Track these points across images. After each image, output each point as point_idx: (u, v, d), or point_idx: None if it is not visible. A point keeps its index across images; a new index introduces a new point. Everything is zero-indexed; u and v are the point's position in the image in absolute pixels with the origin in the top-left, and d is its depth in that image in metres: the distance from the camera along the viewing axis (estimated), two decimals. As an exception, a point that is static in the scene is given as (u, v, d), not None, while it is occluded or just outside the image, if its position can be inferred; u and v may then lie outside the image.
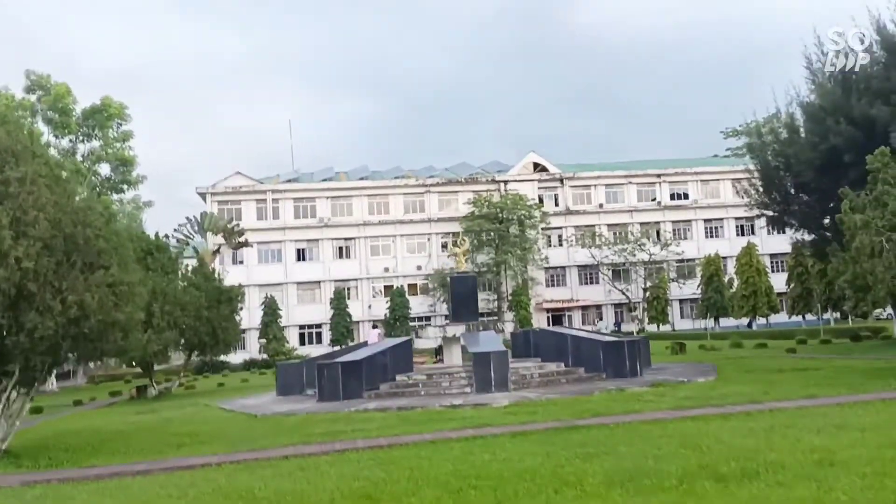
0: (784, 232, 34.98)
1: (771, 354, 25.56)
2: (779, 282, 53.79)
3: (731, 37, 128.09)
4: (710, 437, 9.59)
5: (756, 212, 31.26)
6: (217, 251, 51.57)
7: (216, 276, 28.16)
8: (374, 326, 44.06)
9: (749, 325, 50.26)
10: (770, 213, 29.20)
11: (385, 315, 57.90)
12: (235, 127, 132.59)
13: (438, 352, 26.46)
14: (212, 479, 9.34)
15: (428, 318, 61.93)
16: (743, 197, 60.19)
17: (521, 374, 17.86)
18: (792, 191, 27.48)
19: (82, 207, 13.31)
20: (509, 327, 21.09)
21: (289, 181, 65.35)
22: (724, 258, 59.99)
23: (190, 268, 28.12)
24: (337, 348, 55.23)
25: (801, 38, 27.12)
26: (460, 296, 21.06)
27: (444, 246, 64.26)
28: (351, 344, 38.31)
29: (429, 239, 64.41)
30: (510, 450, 9.72)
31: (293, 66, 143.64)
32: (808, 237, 29.49)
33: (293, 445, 11.69)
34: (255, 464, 10.28)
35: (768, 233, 63.51)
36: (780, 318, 54.30)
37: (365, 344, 24.58)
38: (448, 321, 21.39)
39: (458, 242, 22.76)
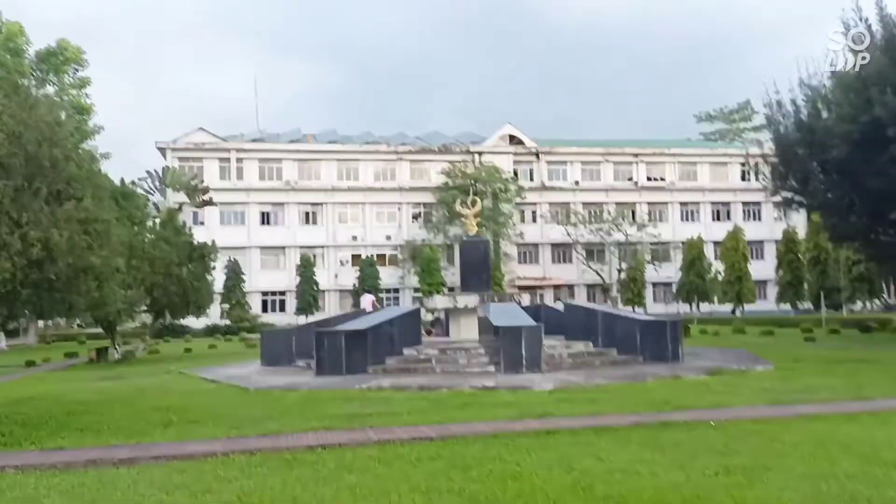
0: (799, 213, 33.39)
1: (792, 342, 23.98)
2: (756, 269, 52.92)
3: (700, 21, 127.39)
4: (881, 445, 7.56)
5: (766, 193, 29.37)
6: (179, 209, 48.04)
7: (188, 230, 25.22)
8: (369, 292, 41.36)
9: (733, 311, 49.20)
10: (787, 193, 27.45)
11: (354, 285, 55.30)
12: (195, 87, 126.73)
13: (433, 324, 24.15)
14: (226, 477, 6.94)
15: (397, 290, 59.69)
16: (750, 179, 59.48)
17: (547, 353, 15.64)
18: (816, 170, 25.79)
19: (48, 122, 10.49)
20: (524, 300, 19.15)
21: (254, 140, 61.85)
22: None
23: (158, 220, 25.11)
24: (303, 318, 52.59)
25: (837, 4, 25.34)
26: (471, 263, 18.75)
27: (415, 217, 61.92)
28: (340, 313, 35.39)
29: (399, 208, 61.84)
30: (614, 453, 7.50)
31: (253, 28, 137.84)
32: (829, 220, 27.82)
33: (314, 431, 9.27)
34: (275, 456, 7.88)
35: (777, 218, 62.90)
36: (765, 305, 53.63)
37: (363, 312, 22.15)
38: (457, 290, 19.01)
39: (469, 203, 20.31)
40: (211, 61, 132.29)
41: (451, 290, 58.37)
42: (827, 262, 41.44)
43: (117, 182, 24.89)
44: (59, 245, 9.65)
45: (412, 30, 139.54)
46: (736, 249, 48.54)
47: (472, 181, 58.31)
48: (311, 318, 51.89)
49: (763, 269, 57.90)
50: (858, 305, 45.35)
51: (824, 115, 25.56)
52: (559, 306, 22.57)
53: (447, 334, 19.96)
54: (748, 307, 49.44)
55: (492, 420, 9.73)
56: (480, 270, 18.87)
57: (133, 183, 24.34)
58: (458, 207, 21.93)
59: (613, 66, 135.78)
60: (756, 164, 29.59)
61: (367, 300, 26.96)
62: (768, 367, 15.11)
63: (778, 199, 28.88)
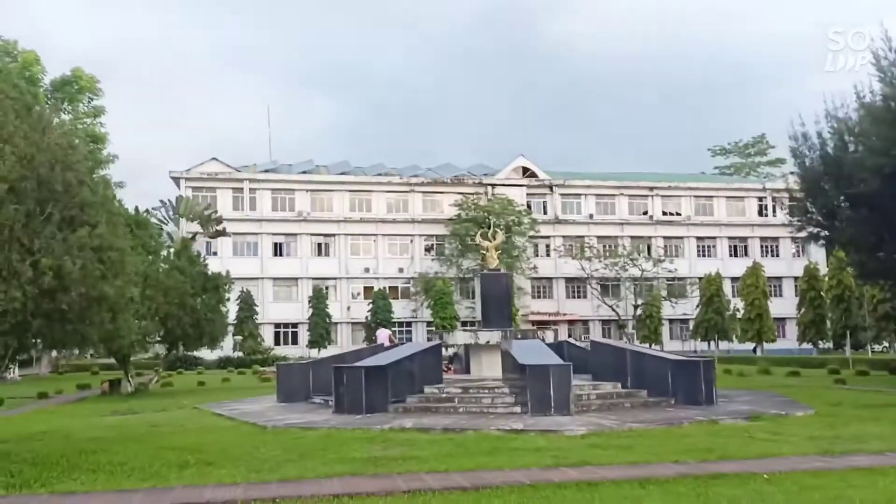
0: (826, 248, 32.63)
1: (822, 384, 23.15)
2: (775, 306, 51.96)
3: (716, 52, 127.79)
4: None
5: (791, 228, 28.70)
6: (192, 239, 47.68)
7: (202, 260, 24.75)
8: (384, 326, 40.62)
9: (755, 350, 48.15)
10: (812, 228, 26.78)
11: (366, 318, 54.68)
12: (209, 119, 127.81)
13: (451, 360, 23.49)
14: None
15: (409, 324, 59.02)
16: (768, 214, 58.59)
17: (574, 393, 14.97)
18: (843, 204, 25.16)
19: (62, 145, 10.06)
20: (549, 337, 18.35)
21: (267, 171, 61.80)
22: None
23: (172, 250, 24.66)
24: (316, 351, 51.95)
25: (867, 32, 25.50)
26: (492, 297, 18.14)
27: (428, 249, 61.49)
28: (361, 347, 34.62)
29: (412, 241, 61.43)
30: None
31: (265, 64, 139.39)
32: (855, 256, 27.11)
33: (338, 477, 8.66)
34: (294, 501, 7.35)
35: (795, 254, 62.33)
36: (784, 344, 52.51)
37: (381, 347, 21.54)
38: (478, 325, 18.42)
39: (490, 235, 19.75)
40: (225, 93, 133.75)
41: (465, 324, 57.70)
42: (850, 300, 40.49)
43: (131, 211, 24.48)
44: (71, 273, 9.18)
45: (426, 65, 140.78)
46: (756, 286, 47.68)
47: (487, 213, 57.97)
48: (324, 351, 51.29)
49: (782, 306, 57.00)
50: (878, 345, 44.32)
51: (851, 147, 25.02)
52: (583, 344, 21.89)
53: (467, 371, 19.33)
54: (768, 346, 48.47)
55: (525, 468, 9.09)
56: (502, 305, 18.27)
57: (147, 212, 24.00)
58: (478, 240, 21.38)
59: (627, 100, 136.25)
60: (779, 199, 28.93)
61: (383, 335, 26.32)
62: (808, 412, 14.36)
63: (801, 234, 28.23)
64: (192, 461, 9.90)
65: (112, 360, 27.07)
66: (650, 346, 56.06)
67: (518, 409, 14.05)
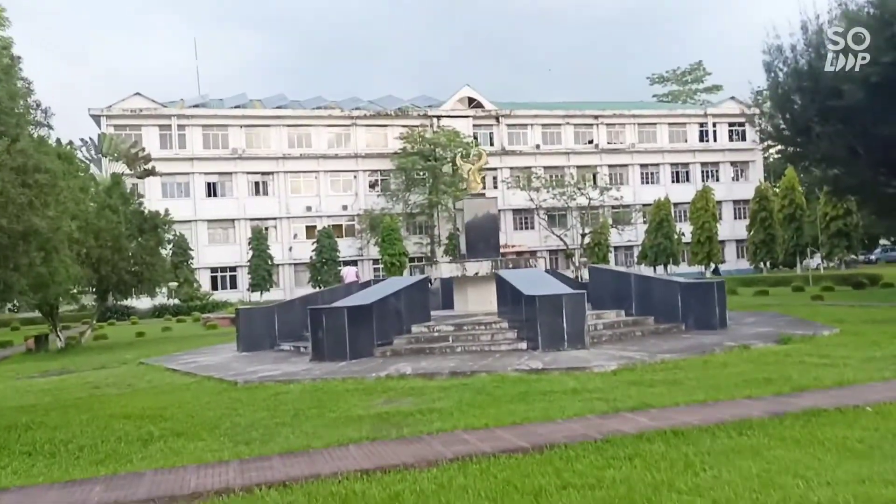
0: (795, 166, 31.98)
1: (802, 302, 22.53)
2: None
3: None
4: None
5: (761, 144, 27.77)
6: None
7: (137, 198, 21.98)
8: (352, 264, 38.61)
9: (715, 271, 48.05)
10: (782, 145, 25.85)
11: (310, 258, 52.36)
12: (129, 60, 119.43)
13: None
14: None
15: (355, 263, 56.87)
16: (708, 139, 57.94)
17: (588, 324, 13.42)
18: (814, 120, 24.17)
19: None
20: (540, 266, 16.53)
21: (196, 106, 57.69)
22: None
23: (101, 188, 21.70)
24: (258, 295, 49.55)
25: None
26: (478, 225, 16.28)
27: (372, 185, 59.12)
28: (308, 289, 32.42)
29: (355, 177, 58.87)
30: (803, 465, 5.39)
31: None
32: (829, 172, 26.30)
33: (355, 444, 6.82)
34: (321, 490, 5.52)
35: (734, 178, 62.04)
36: (731, 266, 52.89)
37: (355, 285, 19.51)
38: (463, 257, 16.60)
39: (473, 157, 17.84)
40: (148, 31, 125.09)
41: (413, 260, 56.02)
42: (802, 219, 40.51)
43: (53, 144, 21.35)
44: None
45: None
46: (706, 209, 47.53)
47: (433, 146, 55.81)
48: (267, 295, 49.04)
49: (722, 229, 57.31)
50: (826, 262, 44.68)
51: (830, 59, 23.89)
52: (570, 272, 20.44)
53: (448, 306, 17.66)
54: (722, 267, 48.63)
55: (578, 416, 7.48)
56: (489, 234, 16.46)
57: (71, 144, 20.97)
58: (458, 162, 19.39)
59: (564, 35, 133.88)
60: (750, 118, 27.84)
61: (350, 272, 24.23)
62: (833, 331, 13.26)
63: (770, 152, 27.36)
64: (156, 433, 7.96)
65: (35, 314, 24.23)
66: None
67: (524, 345, 12.46)
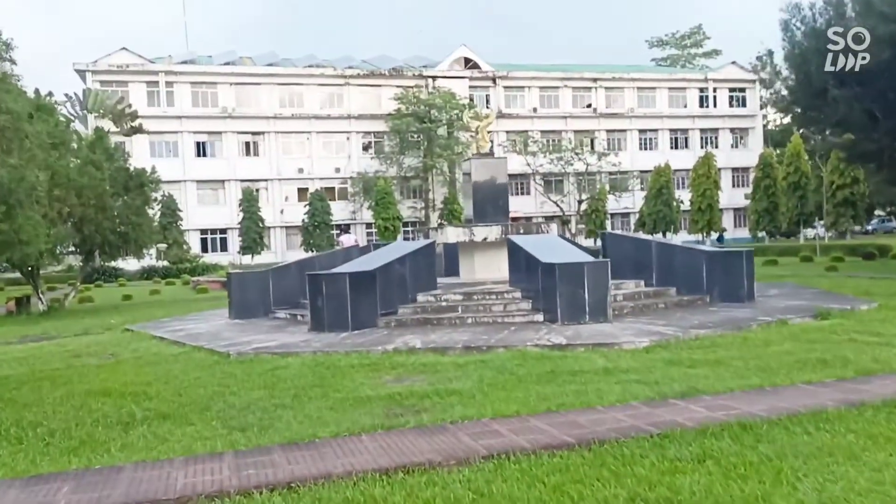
0: (812, 130, 30.97)
1: (818, 273, 21.73)
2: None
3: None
4: None
5: (764, 110, 26.73)
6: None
7: (122, 153, 20.76)
8: (348, 231, 37.63)
9: (719, 239, 47.22)
10: (797, 108, 24.84)
11: (302, 221, 51.16)
12: (116, 15, 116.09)
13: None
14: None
15: (348, 227, 55.77)
16: (708, 105, 56.73)
17: (611, 295, 12.50)
18: (831, 81, 23.14)
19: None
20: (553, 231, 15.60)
21: (184, 62, 55.87)
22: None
23: (84, 142, 20.42)
24: (249, 258, 48.49)
25: None
26: (486, 186, 15.27)
27: (366, 147, 57.71)
28: (322, 251, 31.43)
29: (348, 138, 57.43)
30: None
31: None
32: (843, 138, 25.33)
33: (367, 434, 5.89)
34: (332, 495, 4.60)
35: (734, 145, 60.73)
36: (732, 234, 52.12)
37: (349, 250, 18.50)
38: (469, 221, 15.58)
39: (482, 115, 16.75)
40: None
41: (407, 224, 54.91)
42: (807, 188, 39.64)
43: (30, 95, 19.89)
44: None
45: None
46: (707, 176, 46.56)
47: (428, 107, 54.36)
48: (258, 258, 47.98)
49: (721, 197, 56.39)
50: (829, 232, 43.99)
51: (851, 16, 22.82)
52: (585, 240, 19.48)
53: (450, 274, 16.70)
54: (726, 235, 47.84)
55: (622, 404, 6.54)
56: (498, 196, 15.44)
57: (50, 94, 19.66)
58: (466, 118, 18.27)
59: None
60: (766, 80, 26.73)
61: (348, 240, 23.21)
62: (871, 305, 12.44)
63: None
64: (138, 415, 7.02)
65: (17, 274, 23.11)
66: (595, 240, 55.07)
67: (539, 316, 11.55)
